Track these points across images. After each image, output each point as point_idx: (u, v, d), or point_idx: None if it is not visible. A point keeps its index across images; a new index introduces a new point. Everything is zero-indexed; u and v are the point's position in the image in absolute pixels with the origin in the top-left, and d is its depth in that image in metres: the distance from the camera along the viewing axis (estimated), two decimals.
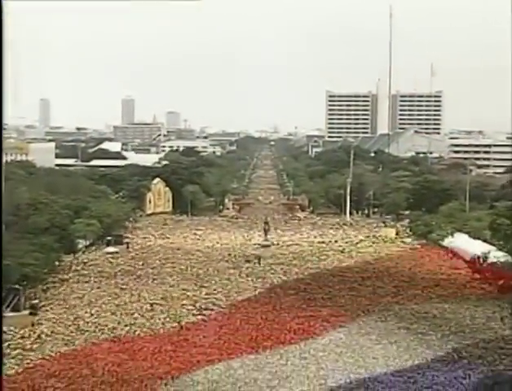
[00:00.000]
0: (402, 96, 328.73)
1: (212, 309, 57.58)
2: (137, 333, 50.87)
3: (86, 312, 56.88)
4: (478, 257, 72.65)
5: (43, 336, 50.58)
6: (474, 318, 55.35)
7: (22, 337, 50.11)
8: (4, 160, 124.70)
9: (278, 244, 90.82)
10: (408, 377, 41.82)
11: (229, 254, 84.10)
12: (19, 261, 61.61)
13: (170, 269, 74.95)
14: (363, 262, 79.26)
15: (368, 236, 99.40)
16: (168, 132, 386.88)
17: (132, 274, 71.95)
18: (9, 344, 48.27)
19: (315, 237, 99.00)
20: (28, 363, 44.37)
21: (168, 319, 54.61)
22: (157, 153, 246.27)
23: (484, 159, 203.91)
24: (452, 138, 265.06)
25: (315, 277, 70.35)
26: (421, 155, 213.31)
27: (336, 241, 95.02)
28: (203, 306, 58.58)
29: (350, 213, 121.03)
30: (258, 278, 69.79)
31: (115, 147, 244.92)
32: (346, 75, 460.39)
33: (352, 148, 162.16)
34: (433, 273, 73.24)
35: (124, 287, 66.10)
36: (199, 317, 55.41)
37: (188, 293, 63.34)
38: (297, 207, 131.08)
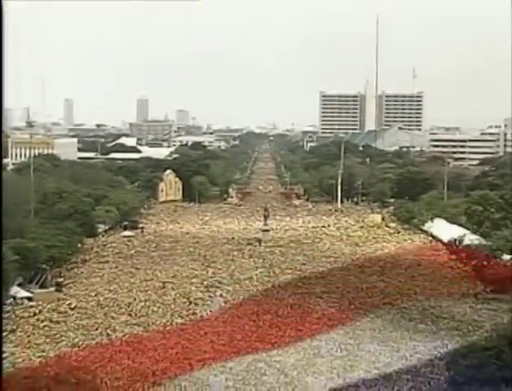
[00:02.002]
0: (387, 96, 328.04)
1: (218, 287, 57.78)
2: (151, 308, 51.17)
3: (105, 289, 57.02)
4: (455, 240, 72.77)
5: (68, 310, 50.81)
6: (450, 294, 55.48)
7: (49, 311, 50.34)
8: (32, 154, 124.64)
9: (276, 229, 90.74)
10: (391, 347, 42.03)
11: (232, 238, 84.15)
12: (46, 243, 61.86)
13: (180, 251, 75.03)
14: (352, 244, 79.32)
15: (357, 221, 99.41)
16: (178, 128, 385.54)
17: (146, 256, 72.07)
18: (38, 318, 48.60)
19: (310, 222, 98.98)
20: (54, 334, 44.68)
21: (178, 296, 54.74)
22: (168, 147, 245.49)
23: (460, 152, 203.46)
24: (431, 134, 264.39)
25: (309, 259, 70.44)
26: (405, 149, 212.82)
27: (328, 226, 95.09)
28: (210, 284, 58.78)
29: (341, 201, 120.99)
30: (258, 259, 69.99)
31: (131, 141, 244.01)
32: (337, 77, 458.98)
33: (343, 143, 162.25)
34: (414, 254, 73.35)
35: (139, 267, 66.19)
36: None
37: (196, 272, 63.40)
38: (294, 195, 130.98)
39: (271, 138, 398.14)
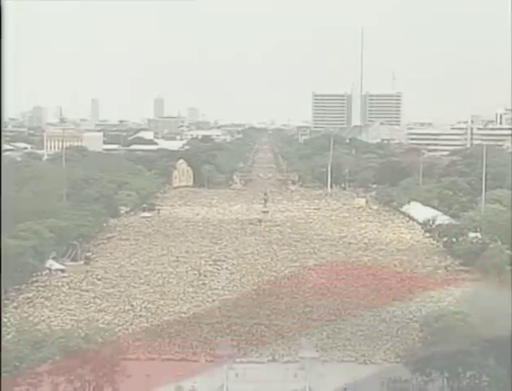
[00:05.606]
0: (370, 96, 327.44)
1: (224, 260, 57.92)
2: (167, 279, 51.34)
3: (126, 262, 57.30)
4: (429, 220, 72.80)
5: (95, 280, 51.06)
6: (424, 267, 55.69)
7: (79, 281, 50.60)
8: (64, 146, 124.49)
9: (274, 210, 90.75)
10: (374, 313, 42.20)
11: (236, 218, 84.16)
12: (76, 223, 62.07)
13: (191, 229, 75.16)
14: (340, 224, 79.36)
15: (344, 204, 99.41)
16: (189, 124, 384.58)
17: (162, 234, 72.24)
18: (69, 287, 48.85)
19: (304, 205, 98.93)
20: (84, 301, 44.94)
21: (190, 268, 54.89)
22: (181, 140, 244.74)
23: (433, 145, 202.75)
24: (409, 129, 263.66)
25: (303, 236, 70.52)
26: (385, 141, 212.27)
27: (319, 208, 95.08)
28: (217, 258, 58.93)
29: (331, 187, 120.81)
30: (259, 237, 70.13)
31: (149, 135, 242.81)
32: (327, 79, 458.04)
33: (332, 136, 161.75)
34: (393, 232, 73.48)
35: (156, 243, 66.41)
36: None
37: (205, 248, 63.61)
38: (290, 182, 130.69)
39: (270, 132, 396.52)
